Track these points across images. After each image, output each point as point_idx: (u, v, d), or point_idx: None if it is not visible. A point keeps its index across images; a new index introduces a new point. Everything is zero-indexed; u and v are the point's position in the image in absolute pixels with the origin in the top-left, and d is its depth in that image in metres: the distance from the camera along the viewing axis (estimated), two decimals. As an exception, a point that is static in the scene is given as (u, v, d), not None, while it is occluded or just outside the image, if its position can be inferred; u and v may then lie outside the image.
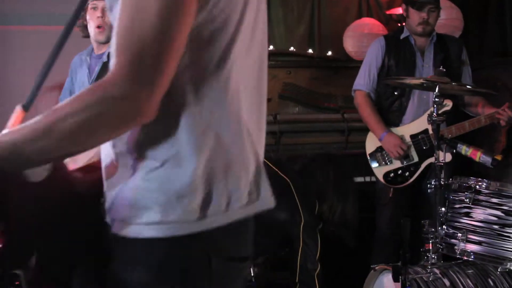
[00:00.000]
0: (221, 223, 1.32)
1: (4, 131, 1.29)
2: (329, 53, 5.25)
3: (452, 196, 2.98)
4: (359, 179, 4.58)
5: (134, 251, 1.32)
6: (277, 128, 4.71)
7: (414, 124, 4.20)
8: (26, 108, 1.47)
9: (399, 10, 4.89)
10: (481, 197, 2.88)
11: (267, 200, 1.43)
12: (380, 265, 3.08)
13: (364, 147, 4.34)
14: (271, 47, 5.03)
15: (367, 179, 4.51)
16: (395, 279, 2.73)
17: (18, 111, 1.46)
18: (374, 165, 4.28)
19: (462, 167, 3.81)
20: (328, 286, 3.41)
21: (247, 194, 1.38)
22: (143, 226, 1.29)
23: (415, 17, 4.21)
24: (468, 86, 4.06)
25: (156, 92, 1.19)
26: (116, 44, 1.20)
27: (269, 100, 4.86)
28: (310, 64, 5.24)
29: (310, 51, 5.24)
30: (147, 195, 1.29)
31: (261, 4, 1.43)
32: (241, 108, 1.37)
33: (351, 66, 4.90)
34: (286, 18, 5.27)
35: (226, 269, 1.37)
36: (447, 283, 2.89)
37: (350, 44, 5.17)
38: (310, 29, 5.38)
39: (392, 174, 4.23)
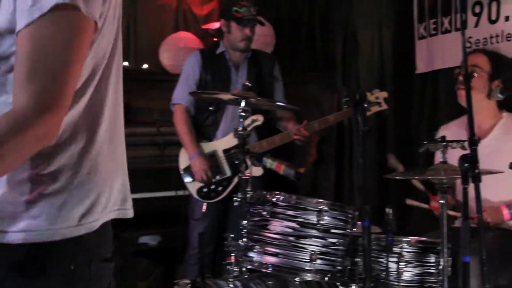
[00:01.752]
0: (90, 230, 1.50)
1: None
2: (145, 66, 5.19)
3: (253, 209, 3.02)
4: (172, 193, 4.55)
5: (18, 256, 1.43)
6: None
7: (227, 139, 4.24)
8: None
9: (216, 25, 4.94)
10: (278, 210, 2.93)
11: (131, 207, 1.65)
12: (183, 280, 3.05)
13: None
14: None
15: (180, 193, 4.48)
16: (192, 294, 2.72)
17: None
18: (188, 179, 4.27)
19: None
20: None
21: (120, 199, 1.60)
22: (28, 232, 1.42)
23: (238, 33, 4.26)
24: (278, 102, 4.17)
25: (61, 116, 1.36)
26: (21, 74, 1.33)
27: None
28: (125, 77, 5.12)
29: (126, 64, 5.14)
30: (34, 204, 1.43)
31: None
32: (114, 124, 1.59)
33: (167, 79, 4.86)
34: (101, 30, 5.13)
35: (100, 270, 1.55)
36: (248, 295, 2.92)
37: (166, 57, 5.14)
38: (125, 42, 5.26)
39: (205, 189, 4.23)
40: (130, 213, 1.64)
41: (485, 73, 3.40)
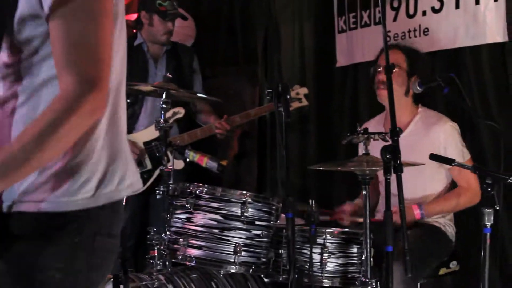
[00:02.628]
0: (108, 201, 1.56)
1: None
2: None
3: (175, 202, 2.98)
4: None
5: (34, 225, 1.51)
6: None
7: (147, 131, 4.18)
8: None
9: (134, 17, 4.85)
10: (201, 202, 2.90)
11: (139, 183, 1.68)
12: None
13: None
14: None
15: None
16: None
17: None
18: (107, 173, 4.18)
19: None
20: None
21: (129, 176, 1.63)
22: (42, 203, 1.49)
23: (161, 27, 4.23)
24: (198, 94, 4.13)
25: (105, 91, 1.46)
26: (61, 56, 1.43)
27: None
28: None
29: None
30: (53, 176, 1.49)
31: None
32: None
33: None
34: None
35: (105, 244, 1.59)
36: (171, 289, 2.88)
37: (84, 48, 5.01)
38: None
39: (125, 182, 4.15)
40: (139, 185, 1.69)
41: (403, 70, 3.44)
